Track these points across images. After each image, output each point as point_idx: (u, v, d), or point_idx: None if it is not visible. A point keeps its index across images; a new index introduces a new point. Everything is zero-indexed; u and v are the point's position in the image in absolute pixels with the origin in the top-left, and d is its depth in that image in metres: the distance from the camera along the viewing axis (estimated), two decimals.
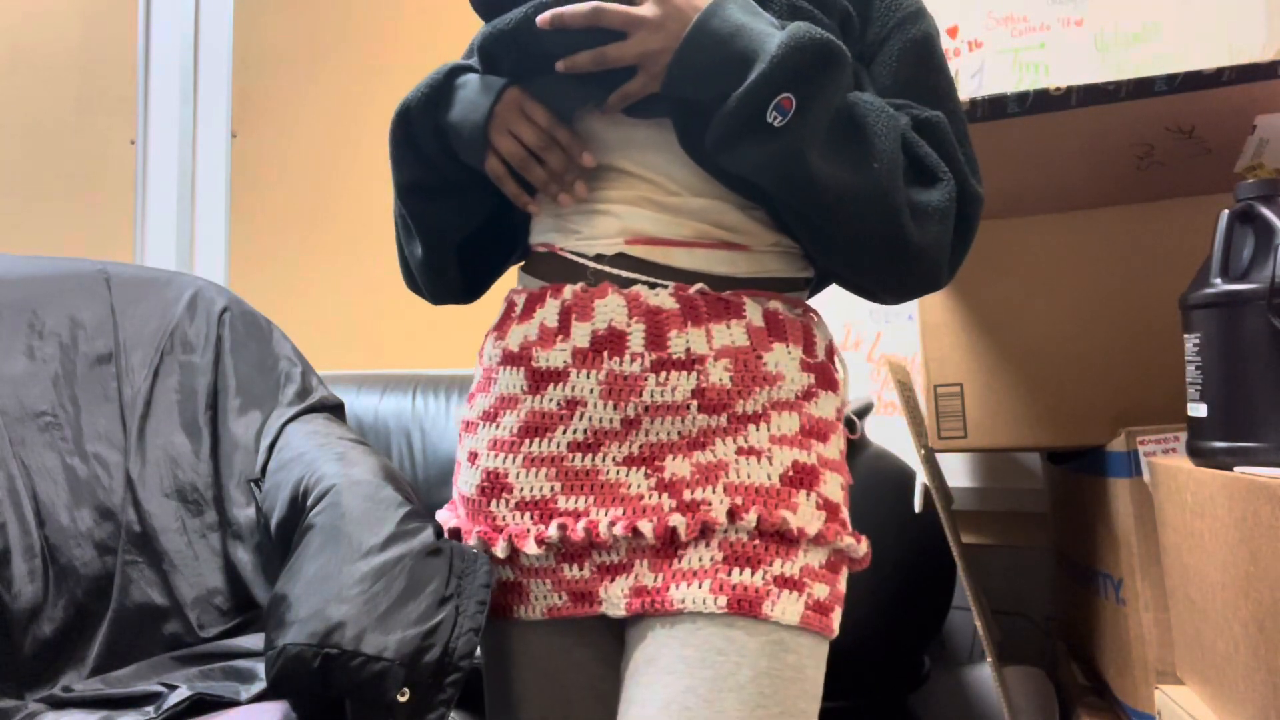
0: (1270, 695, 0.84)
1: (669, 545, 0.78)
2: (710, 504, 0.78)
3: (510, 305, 0.91)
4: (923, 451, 1.30)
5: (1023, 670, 1.45)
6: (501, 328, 0.90)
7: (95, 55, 2.67)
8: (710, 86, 0.76)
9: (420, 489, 1.76)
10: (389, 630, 0.85)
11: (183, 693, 1.01)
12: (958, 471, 1.81)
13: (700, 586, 0.76)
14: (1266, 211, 0.93)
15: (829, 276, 0.94)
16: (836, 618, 0.80)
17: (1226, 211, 0.97)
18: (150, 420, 1.33)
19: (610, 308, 0.81)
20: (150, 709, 1.00)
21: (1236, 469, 0.91)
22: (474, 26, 0.95)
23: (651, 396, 0.80)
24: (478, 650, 0.86)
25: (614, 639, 0.86)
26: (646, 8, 0.76)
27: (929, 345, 1.40)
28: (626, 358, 0.80)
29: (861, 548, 0.83)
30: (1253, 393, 0.91)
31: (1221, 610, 0.94)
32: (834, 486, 0.83)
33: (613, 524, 0.79)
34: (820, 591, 0.78)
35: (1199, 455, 0.98)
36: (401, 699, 0.84)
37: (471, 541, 0.86)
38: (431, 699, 0.86)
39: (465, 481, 0.89)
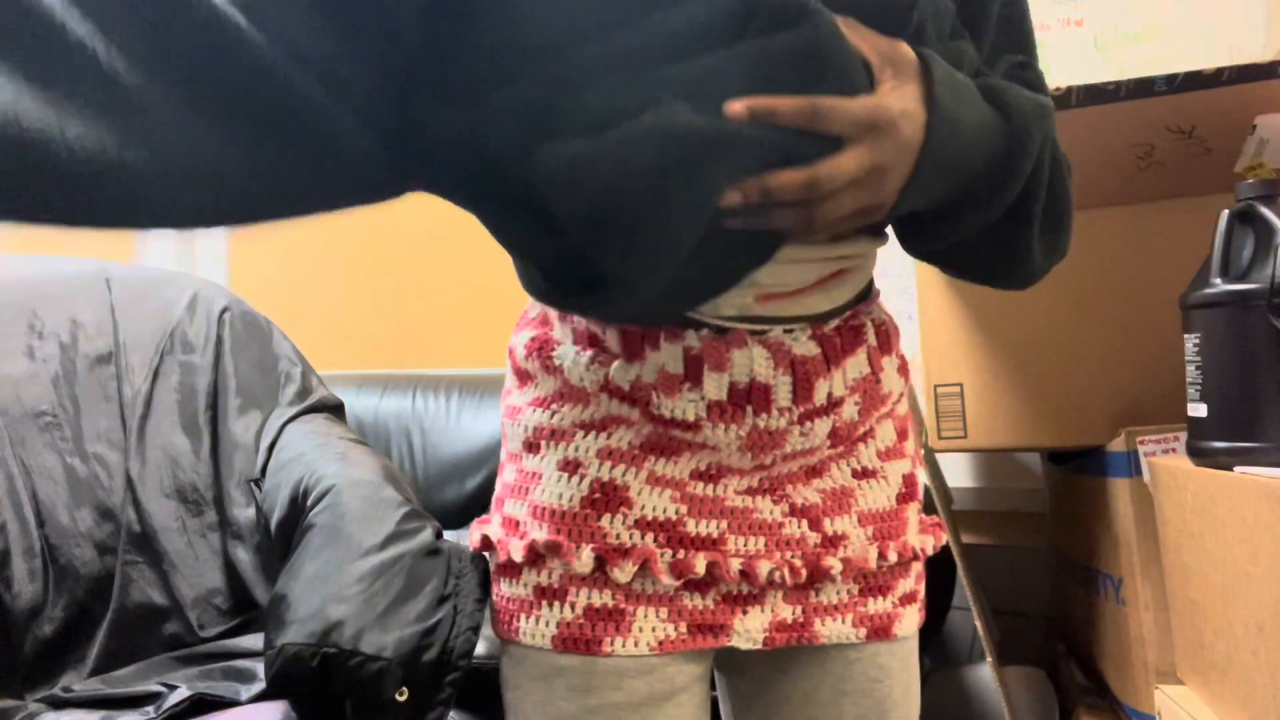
0: (1270, 695, 0.84)
1: (812, 580, 0.76)
2: (849, 537, 0.76)
3: (592, 335, 0.74)
4: (922, 451, 1.30)
5: (1023, 670, 1.45)
6: (595, 354, 0.73)
7: None
8: (940, 198, 0.67)
9: (420, 489, 1.76)
10: (387, 629, 0.85)
11: (183, 693, 1.01)
12: (958, 471, 1.81)
13: (843, 621, 0.77)
14: (1266, 211, 0.93)
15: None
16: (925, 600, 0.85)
17: (1226, 211, 0.97)
18: (150, 420, 1.34)
19: (753, 359, 0.71)
20: (150, 709, 1.00)
21: (1236, 469, 0.91)
22: None
23: (792, 446, 0.74)
24: (477, 650, 0.86)
25: (707, 671, 0.80)
26: (872, 153, 0.60)
27: (929, 345, 1.40)
28: (774, 413, 0.72)
29: (945, 535, 0.86)
30: (1253, 393, 0.92)
31: (1221, 610, 0.94)
32: (921, 480, 0.85)
33: (775, 569, 0.73)
34: (922, 590, 0.83)
35: (1199, 455, 0.98)
36: (400, 698, 0.84)
37: (581, 560, 0.72)
38: (430, 698, 0.86)
39: (557, 494, 0.74)
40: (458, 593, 0.89)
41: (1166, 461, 1.08)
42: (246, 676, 1.06)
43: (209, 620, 1.24)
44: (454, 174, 0.67)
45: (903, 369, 0.82)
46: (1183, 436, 1.06)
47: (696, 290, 0.69)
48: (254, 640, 1.17)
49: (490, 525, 0.81)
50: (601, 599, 0.73)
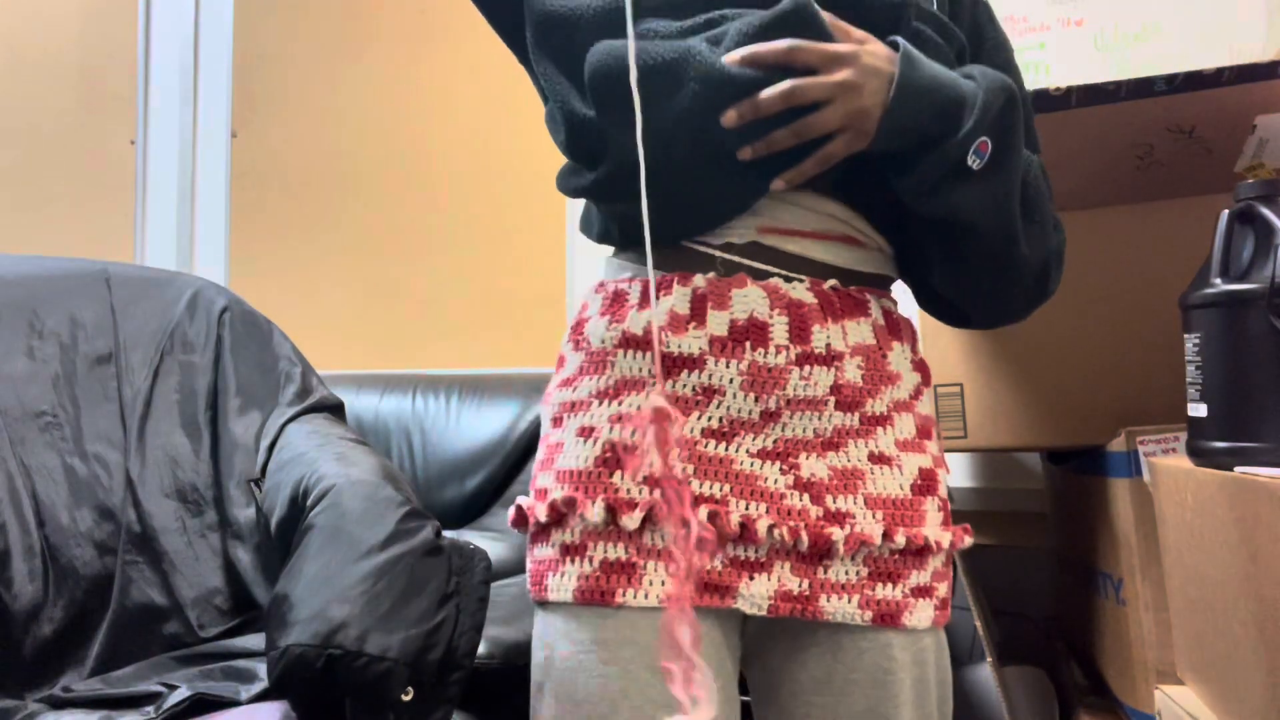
0: (1270, 695, 0.84)
1: (814, 552, 0.80)
2: (855, 517, 0.80)
3: (618, 294, 0.86)
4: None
5: (1023, 670, 1.45)
6: (613, 313, 0.85)
7: (95, 55, 2.67)
8: (918, 137, 0.77)
9: (420, 489, 1.76)
10: (392, 630, 0.85)
11: (183, 693, 1.01)
12: (958, 471, 1.81)
13: (849, 601, 0.80)
14: (1266, 211, 0.93)
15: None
16: (950, 599, 0.86)
17: (1226, 211, 0.97)
18: (150, 420, 1.33)
19: (750, 298, 0.81)
20: (150, 709, 1.00)
21: (1236, 469, 0.91)
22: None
23: (795, 390, 0.80)
24: (480, 649, 0.86)
25: (726, 632, 0.83)
26: (843, 73, 0.75)
27: (929, 345, 1.40)
28: (771, 349, 0.80)
29: (969, 539, 0.87)
30: (1253, 393, 0.92)
31: (1221, 610, 0.94)
32: (944, 483, 0.87)
33: (773, 527, 0.78)
34: (943, 590, 0.85)
35: (1199, 455, 0.98)
36: (405, 698, 0.84)
37: (594, 510, 0.79)
38: (435, 698, 0.86)
39: (575, 456, 0.83)
40: (460, 591, 0.89)
41: (1166, 461, 1.08)
42: (246, 676, 1.06)
43: (209, 620, 1.24)
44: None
45: (920, 368, 0.89)
46: (1183, 436, 1.06)
47: (701, 212, 0.82)
48: (254, 640, 1.17)
49: (524, 497, 0.88)
50: (615, 553, 0.79)
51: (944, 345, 1.39)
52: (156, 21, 2.62)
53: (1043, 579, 1.70)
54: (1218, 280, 0.95)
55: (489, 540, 1.58)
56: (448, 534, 1.03)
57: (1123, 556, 1.18)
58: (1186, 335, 0.99)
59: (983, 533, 1.73)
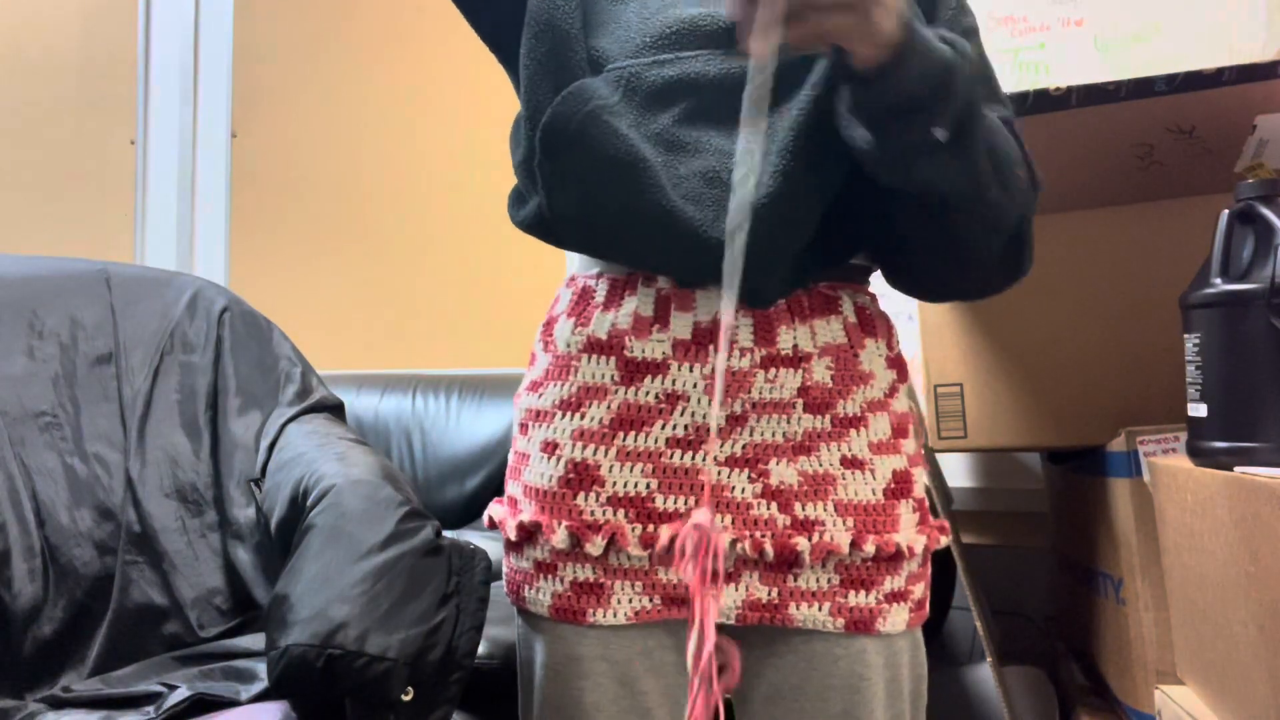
0: (1270, 695, 0.84)
1: (781, 562, 0.79)
2: (824, 524, 0.78)
3: (585, 290, 0.85)
4: (923, 451, 1.30)
5: (1023, 670, 1.45)
6: (579, 313, 0.84)
7: (95, 55, 2.67)
8: (911, 94, 0.67)
9: (420, 489, 1.76)
10: (392, 630, 0.85)
11: (183, 693, 1.01)
12: (958, 471, 1.81)
13: (820, 609, 0.79)
14: (1266, 211, 0.93)
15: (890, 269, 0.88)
16: (927, 598, 0.85)
17: (1226, 211, 0.97)
18: (150, 420, 1.33)
19: (714, 299, 0.78)
20: (150, 709, 1.00)
21: (1236, 469, 0.91)
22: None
23: (760, 393, 0.78)
24: (480, 649, 0.86)
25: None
26: None
27: (929, 345, 1.40)
28: (735, 352, 0.78)
29: (946, 539, 0.86)
30: (1253, 393, 0.92)
31: (1221, 610, 0.94)
32: (920, 482, 0.86)
33: (736, 541, 0.77)
34: (919, 591, 0.84)
35: (1199, 455, 0.98)
36: (405, 698, 0.84)
37: (558, 536, 0.79)
38: (435, 698, 0.86)
39: (540, 474, 0.83)
40: (460, 591, 0.90)
41: (1166, 461, 1.08)
42: (246, 676, 1.06)
43: (209, 620, 1.24)
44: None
45: (895, 364, 0.86)
46: (1183, 436, 1.06)
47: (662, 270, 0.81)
48: (254, 640, 1.17)
49: (498, 505, 0.89)
50: (584, 574, 0.80)
51: (944, 345, 1.39)
52: (156, 21, 2.62)
53: (1043, 579, 1.70)
54: (1218, 280, 0.95)
55: (489, 540, 1.58)
56: (448, 534, 1.03)
57: (1123, 556, 1.18)
58: (1186, 335, 0.99)
59: (983, 533, 1.74)
